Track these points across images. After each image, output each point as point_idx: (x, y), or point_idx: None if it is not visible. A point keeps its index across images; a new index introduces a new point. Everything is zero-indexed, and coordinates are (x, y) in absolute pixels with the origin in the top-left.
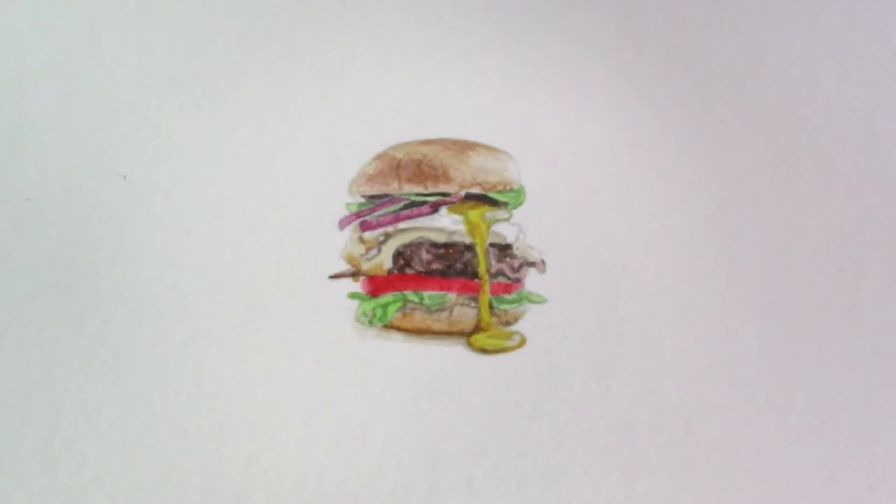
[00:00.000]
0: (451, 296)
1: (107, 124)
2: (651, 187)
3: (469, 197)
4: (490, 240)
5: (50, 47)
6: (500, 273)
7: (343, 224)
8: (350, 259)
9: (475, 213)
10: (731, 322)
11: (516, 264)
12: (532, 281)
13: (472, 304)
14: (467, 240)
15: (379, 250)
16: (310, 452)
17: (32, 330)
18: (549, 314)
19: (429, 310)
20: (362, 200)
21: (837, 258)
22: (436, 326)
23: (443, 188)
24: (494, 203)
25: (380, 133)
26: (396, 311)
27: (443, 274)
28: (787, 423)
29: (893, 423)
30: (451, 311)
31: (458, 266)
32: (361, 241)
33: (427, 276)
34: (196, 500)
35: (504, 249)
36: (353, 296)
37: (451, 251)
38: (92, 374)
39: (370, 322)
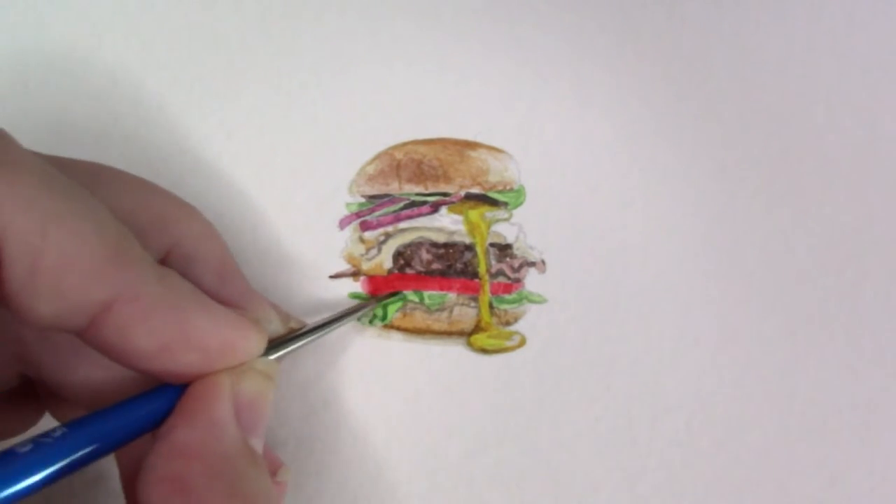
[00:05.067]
0: (451, 296)
1: (108, 124)
2: (651, 187)
3: (469, 197)
4: (490, 240)
5: (52, 47)
6: (500, 273)
7: (343, 224)
8: (350, 259)
9: (475, 213)
10: (731, 322)
11: (516, 264)
12: (532, 281)
13: (472, 304)
14: (467, 240)
15: (379, 250)
16: (310, 452)
17: None
18: (549, 314)
19: (429, 310)
20: (362, 200)
21: (837, 258)
22: (436, 326)
23: (443, 188)
24: (494, 203)
25: (380, 133)
26: (396, 311)
27: (443, 274)
28: (788, 424)
29: (894, 423)
30: (451, 311)
31: (458, 266)
32: (361, 241)
33: (427, 276)
34: None
35: (504, 249)
36: (353, 296)
37: (451, 251)
38: None
39: (370, 322)
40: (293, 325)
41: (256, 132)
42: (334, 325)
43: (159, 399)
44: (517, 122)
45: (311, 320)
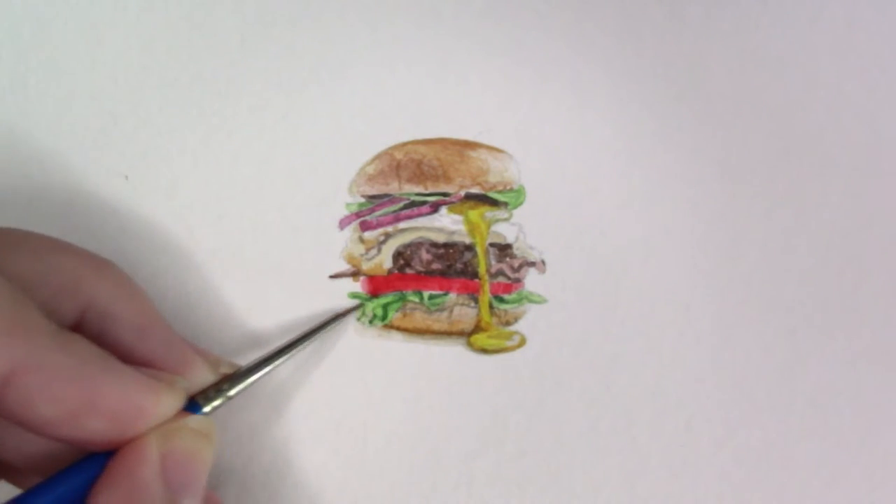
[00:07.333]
0: (451, 296)
1: (108, 124)
2: (651, 187)
3: (469, 197)
4: (490, 240)
5: (52, 47)
6: (500, 273)
7: (343, 224)
8: (350, 259)
9: (475, 213)
10: (731, 322)
11: (516, 264)
12: (532, 281)
13: (472, 304)
14: (467, 240)
15: (379, 250)
16: (310, 452)
17: None
18: (549, 314)
19: (429, 310)
20: (362, 200)
21: (837, 258)
22: (436, 326)
23: (443, 188)
24: (494, 203)
25: (380, 133)
26: (396, 311)
27: (443, 274)
28: (788, 424)
29: (894, 423)
30: (451, 311)
31: (458, 266)
32: (361, 241)
33: (427, 276)
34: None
35: (504, 249)
36: (353, 296)
37: (451, 251)
38: None
39: (370, 322)
40: (225, 369)
41: (256, 132)
42: (272, 365)
43: (91, 468)
44: (517, 122)
45: (306, 325)
